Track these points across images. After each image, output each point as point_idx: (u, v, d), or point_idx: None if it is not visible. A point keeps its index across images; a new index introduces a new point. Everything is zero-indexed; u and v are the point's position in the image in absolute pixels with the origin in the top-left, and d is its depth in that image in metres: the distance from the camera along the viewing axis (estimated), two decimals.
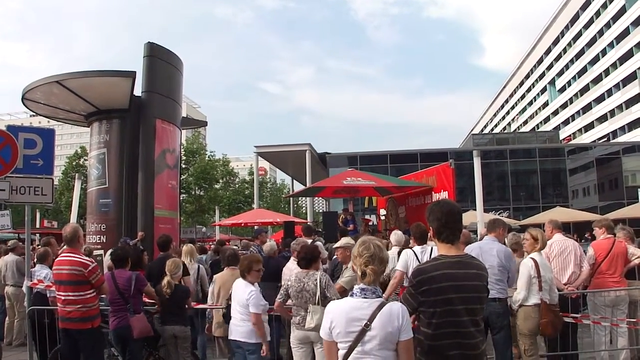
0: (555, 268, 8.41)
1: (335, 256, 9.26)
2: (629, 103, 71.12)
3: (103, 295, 7.68)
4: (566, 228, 24.93)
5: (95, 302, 7.37)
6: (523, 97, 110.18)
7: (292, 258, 8.97)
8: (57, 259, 7.64)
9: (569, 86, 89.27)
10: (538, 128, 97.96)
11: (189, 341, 8.38)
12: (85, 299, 7.21)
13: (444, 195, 15.36)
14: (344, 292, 7.72)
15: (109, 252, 10.70)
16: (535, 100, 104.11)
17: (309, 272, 6.90)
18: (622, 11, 71.32)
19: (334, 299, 6.75)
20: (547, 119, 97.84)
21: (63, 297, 7.23)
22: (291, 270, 8.41)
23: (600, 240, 9.08)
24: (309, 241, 10.71)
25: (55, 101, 12.89)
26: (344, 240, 8.35)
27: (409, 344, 3.52)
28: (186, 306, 8.29)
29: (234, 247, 15.45)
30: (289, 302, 6.98)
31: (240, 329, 6.81)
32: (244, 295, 6.81)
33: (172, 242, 10.01)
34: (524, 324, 7.13)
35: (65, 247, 7.85)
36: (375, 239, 3.84)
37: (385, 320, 3.46)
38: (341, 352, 3.56)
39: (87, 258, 7.49)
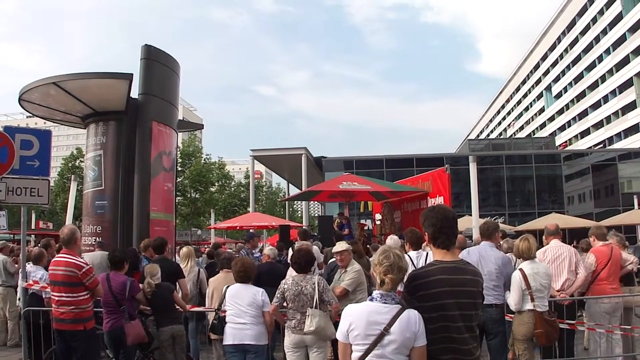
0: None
1: (331, 260, 9.26)
2: (625, 110, 71.35)
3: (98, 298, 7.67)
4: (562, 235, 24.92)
5: (88, 304, 7.35)
6: (519, 102, 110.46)
7: None
8: (54, 259, 7.64)
9: (565, 92, 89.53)
10: (534, 134, 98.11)
11: (185, 340, 8.41)
12: (78, 301, 7.18)
13: (439, 200, 15.39)
14: (345, 295, 7.75)
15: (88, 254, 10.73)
16: (531, 106, 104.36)
17: (306, 276, 6.93)
18: (618, 18, 71.56)
19: (333, 303, 6.81)
20: (543, 125, 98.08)
21: (57, 298, 7.21)
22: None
23: (600, 247, 9.09)
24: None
25: (52, 102, 12.86)
26: (345, 244, 8.34)
27: (422, 350, 3.59)
28: (176, 305, 8.32)
29: (229, 250, 15.46)
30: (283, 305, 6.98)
31: (249, 332, 6.73)
32: (257, 296, 6.82)
33: (167, 244, 10.00)
34: (518, 329, 7.13)
35: (60, 248, 7.86)
36: (395, 249, 3.89)
37: (404, 326, 3.53)
38: (356, 355, 3.62)
39: (82, 260, 7.48)
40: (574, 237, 31.63)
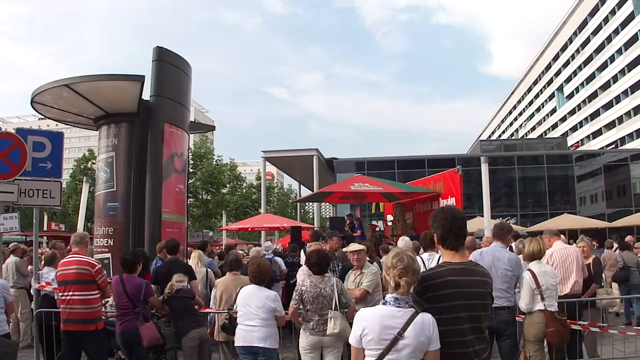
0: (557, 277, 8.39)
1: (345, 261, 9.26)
2: (638, 110, 70.98)
3: (109, 301, 7.71)
4: (574, 235, 24.90)
5: (98, 304, 7.41)
6: (531, 103, 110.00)
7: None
8: (63, 260, 7.69)
9: (577, 92, 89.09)
10: (546, 134, 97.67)
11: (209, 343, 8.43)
12: (90, 299, 7.26)
13: (451, 201, 15.36)
14: (365, 297, 7.74)
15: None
16: (543, 107, 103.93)
17: (324, 277, 6.93)
18: (630, 17, 71.15)
19: (350, 304, 6.81)
20: (555, 126, 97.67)
21: (68, 298, 7.26)
22: (305, 274, 8.40)
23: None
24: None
25: (64, 104, 12.91)
26: (358, 245, 8.35)
27: (436, 354, 3.58)
28: (195, 307, 8.35)
29: (240, 251, 15.46)
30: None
31: (257, 335, 6.74)
32: (267, 301, 6.83)
33: (180, 246, 10.02)
34: (529, 330, 7.10)
35: (71, 249, 7.92)
36: (407, 251, 3.88)
37: (418, 330, 3.51)
38: (369, 359, 3.60)
39: (93, 259, 7.56)
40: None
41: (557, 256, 8.64)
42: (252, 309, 6.83)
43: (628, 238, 16.21)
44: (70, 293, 7.26)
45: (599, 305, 9.80)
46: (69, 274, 7.33)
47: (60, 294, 7.48)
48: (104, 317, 8.05)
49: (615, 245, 15.94)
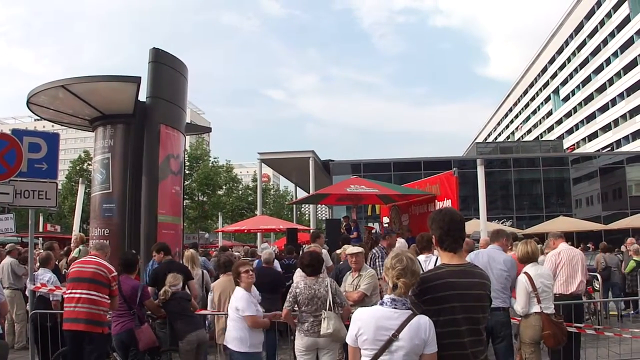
0: (563, 277, 8.43)
1: (342, 262, 9.25)
2: (633, 112, 71.13)
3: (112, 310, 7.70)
4: (569, 238, 24.99)
5: (108, 309, 7.40)
6: (527, 106, 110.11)
7: None
8: (82, 258, 7.71)
9: (573, 95, 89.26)
10: (542, 137, 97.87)
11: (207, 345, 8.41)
12: (100, 301, 7.25)
13: (447, 203, 15.34)
14: (363, 300, 7.73)
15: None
16: (539, 109, 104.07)
17: (317, 278, 6.93)
18: (626, 20, 71.33)
19: (345, 305, 6.83)
20: (550, 128, 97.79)
21: (77, 296, 7.23)
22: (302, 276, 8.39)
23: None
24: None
25: (60, 105, 12.87)
26: (358, 247, 8.35)
27: (433, 357, 3.55)
28: (191, 309, 8.33)
29: (236, 253, 15.45)
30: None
31: (227, 335, 6.92)
32: (234, 300, 6.91)
33: (170, 247, 10.06)
34: (525, 332, 7.12)
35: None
36: (407, 252, 3.85)
37: (413, 333, 3.49)
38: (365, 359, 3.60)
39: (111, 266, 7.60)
40: (582, 240, 31.68)
41: (565, 255, 8.72)
42: (229, 309, 6.99)
43: (629, 240, 16.68)
44: (80, 291, 7.24)
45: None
46: (86, 272, 7.33)
47: (69, 291, 7.44)
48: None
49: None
